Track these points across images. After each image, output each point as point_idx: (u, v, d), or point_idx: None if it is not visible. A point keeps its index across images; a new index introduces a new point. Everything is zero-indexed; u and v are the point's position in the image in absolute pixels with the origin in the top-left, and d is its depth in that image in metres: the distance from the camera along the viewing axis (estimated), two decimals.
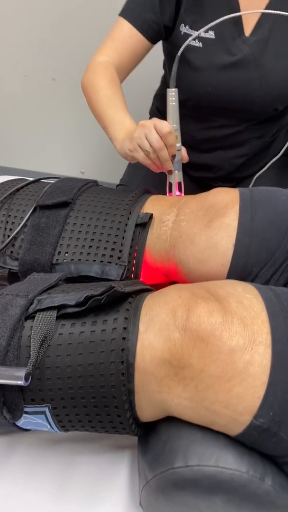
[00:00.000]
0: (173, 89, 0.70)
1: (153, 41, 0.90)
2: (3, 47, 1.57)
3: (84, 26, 1.45)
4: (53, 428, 0.56)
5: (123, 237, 0.70)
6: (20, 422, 0.56)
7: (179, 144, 0.73)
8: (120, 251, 0.70)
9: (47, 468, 0.60)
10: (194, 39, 0.89)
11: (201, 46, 0.88)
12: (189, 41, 0.74)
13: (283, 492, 0.48)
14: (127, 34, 0.85)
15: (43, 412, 0.54)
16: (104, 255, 0.70)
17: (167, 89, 0.70)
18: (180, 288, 0.55)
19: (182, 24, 0.88)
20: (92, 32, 1.45)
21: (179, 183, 0.79)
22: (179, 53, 0.68)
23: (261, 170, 0.98)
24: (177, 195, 0.79)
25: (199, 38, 0.88)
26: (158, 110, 1.11)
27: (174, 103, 0.70)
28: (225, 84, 0.90)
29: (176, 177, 0.77)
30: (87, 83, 0.84)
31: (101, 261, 0.70)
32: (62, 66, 1.55)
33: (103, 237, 0.71)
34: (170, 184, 0.80)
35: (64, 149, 1.79)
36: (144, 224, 0.71)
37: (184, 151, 0.77)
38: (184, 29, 0.88)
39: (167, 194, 0.81)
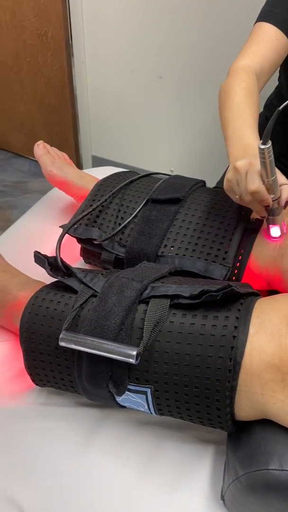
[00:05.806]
0: (267, 146, 0.57)
1: None
2: (115, 42, 1.63)
3: (194, 27, 1.47)
4: (149, 409, 0.59)
5: (230, 239, 0.72)
6: (120, 398, 0.60)
7: (273, 195, 0.64)
8: (226, 252, 0.71)
9: (135, 445, 0.64)
10: None
11: None
12: None
13: None
14: (273, 37, 0.83)
15: (145, 393, 0.57)
16: (209, 253, 0.72)
17: (259, 146, 0.58)
18: None
19: None
20: (203, 35, 1.47)
21: (280, 226, 0.70)
22: (280, 108, 0.53)
23: None
24: (273, 240, 0.71)
25: None
26: (267, 118, 1.11)
27: (269, 159, 0.59)
28: None
29: (271, 221, 0.69)
30: (224, 86, 0.82)
31: (206, 259, 0.72)
32: (170, 65, 1.59)
33: (210, 236, 0.73)
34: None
35: (157, 146, 1.83)
36: (253, 230, 0.72)
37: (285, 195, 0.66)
38: None
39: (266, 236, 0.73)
